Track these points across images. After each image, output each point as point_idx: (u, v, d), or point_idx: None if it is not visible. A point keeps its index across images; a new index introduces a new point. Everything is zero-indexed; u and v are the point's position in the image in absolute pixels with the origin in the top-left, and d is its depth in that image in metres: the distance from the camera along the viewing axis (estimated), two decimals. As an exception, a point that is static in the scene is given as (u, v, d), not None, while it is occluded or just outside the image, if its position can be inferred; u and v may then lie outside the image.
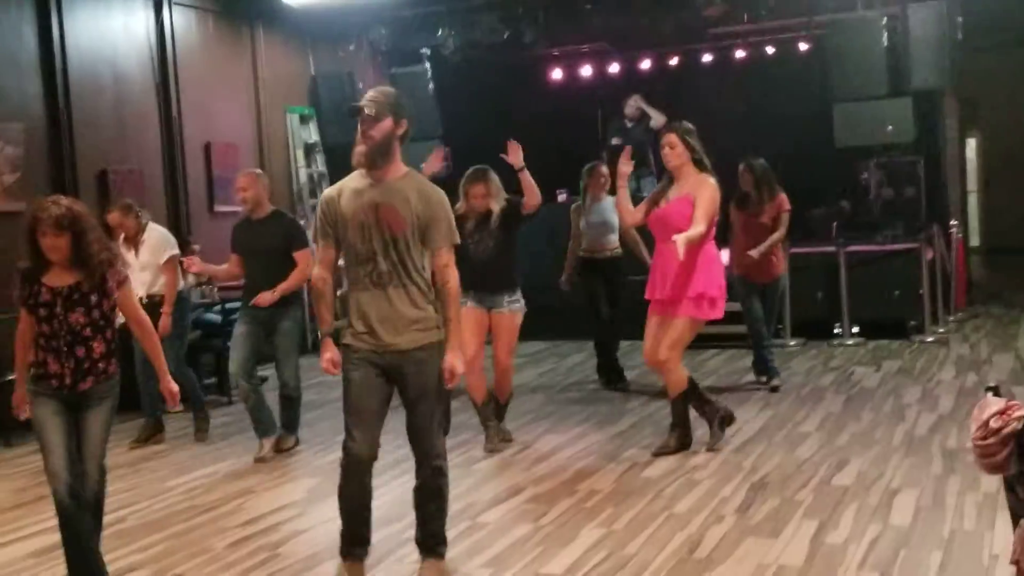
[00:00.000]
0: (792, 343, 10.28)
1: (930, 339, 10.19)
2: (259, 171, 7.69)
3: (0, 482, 6.79)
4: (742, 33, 14.05)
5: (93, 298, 4.42)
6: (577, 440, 7.02)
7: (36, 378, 4.52)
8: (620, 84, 14.49)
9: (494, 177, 6.68)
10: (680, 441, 6.50)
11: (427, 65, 12.29)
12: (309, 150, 12.06)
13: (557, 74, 15.50)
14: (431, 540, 4.53)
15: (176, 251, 7.69)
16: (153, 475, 6.77)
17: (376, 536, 4.73)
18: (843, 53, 10.72)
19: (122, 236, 7.61)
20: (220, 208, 10.59)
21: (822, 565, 4.50)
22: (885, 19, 10.50)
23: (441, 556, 4.54)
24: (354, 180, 4.38)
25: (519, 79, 14.79)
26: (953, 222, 11.85)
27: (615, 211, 7.90)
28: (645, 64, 14.99)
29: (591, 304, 8.77)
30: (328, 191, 4.48)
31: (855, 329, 10.42)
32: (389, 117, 4.26)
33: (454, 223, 4.43)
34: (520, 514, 5.45)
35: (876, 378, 8.61)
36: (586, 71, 15.37)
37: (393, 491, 5.76)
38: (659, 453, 6.42)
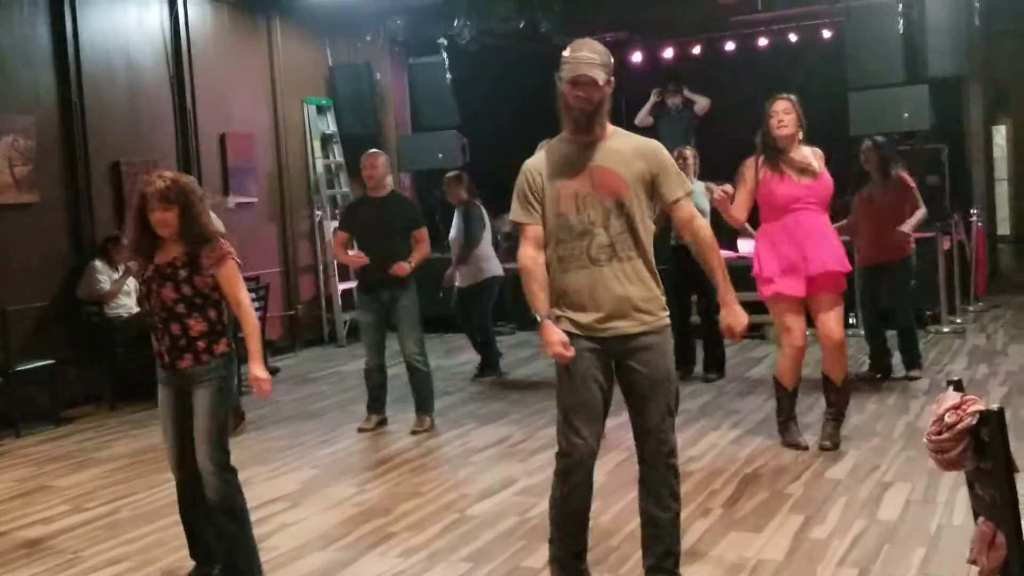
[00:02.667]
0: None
1: (946, 329, 10.04)
2: (379, 151, 7.79)
3: (6, 471, 6.87)
4: (765, 21, 13.95)
5: (183, 273, 4.28)
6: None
7: (154, 359, 4.47)
8: (641, 73, 14.42)
9: None
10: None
11: (444, 55, 12.26)
12: (326, 141, 12.05)
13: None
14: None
15: None
16: (153, 467, 6.80)
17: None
18: (859, 40, 10.57)
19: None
20: (235, 199, 10.64)
21: (803, 560, 4.46)
22: (900, 5, 10.33)
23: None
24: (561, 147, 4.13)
25: (536, 68, 14.70)
26: (973, 209, 11.66)
27: (703, 195, 7.39)
28: (667, 53, 14.91)
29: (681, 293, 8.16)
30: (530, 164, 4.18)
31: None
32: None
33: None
34: (508, 507, 5.44)
35: (884, 369, 8.50)
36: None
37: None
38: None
